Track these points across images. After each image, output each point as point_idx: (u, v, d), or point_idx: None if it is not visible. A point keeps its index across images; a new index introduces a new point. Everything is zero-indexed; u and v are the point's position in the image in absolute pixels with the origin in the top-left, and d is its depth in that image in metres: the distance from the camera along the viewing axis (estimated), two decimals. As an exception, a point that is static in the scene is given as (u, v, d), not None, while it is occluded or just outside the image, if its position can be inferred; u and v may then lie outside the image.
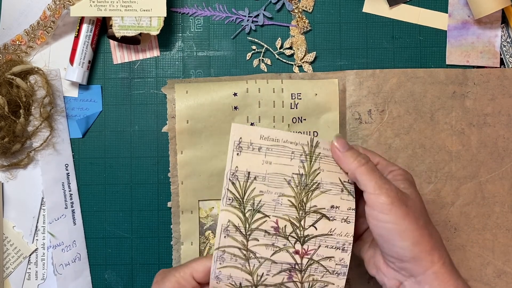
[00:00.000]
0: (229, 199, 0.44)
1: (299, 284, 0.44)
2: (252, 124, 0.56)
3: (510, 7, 0.57)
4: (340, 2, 0.58)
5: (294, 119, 0.56)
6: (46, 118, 0.56)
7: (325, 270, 0.44)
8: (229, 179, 0.44)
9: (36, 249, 0.58)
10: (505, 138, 0.57)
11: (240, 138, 0.44)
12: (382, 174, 0.43)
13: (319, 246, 0.44)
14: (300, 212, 0.44)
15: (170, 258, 0.57)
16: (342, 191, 0.44)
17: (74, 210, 0.58)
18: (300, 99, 0.56)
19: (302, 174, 0.44)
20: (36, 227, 0.58)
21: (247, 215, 0.44)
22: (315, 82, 0.56)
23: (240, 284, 0.45)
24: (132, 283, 0.58)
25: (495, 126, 0.57)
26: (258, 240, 0.44)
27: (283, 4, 0.58)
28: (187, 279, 0.45)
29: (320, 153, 0.45)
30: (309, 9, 0.58)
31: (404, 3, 0.58)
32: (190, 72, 0.58)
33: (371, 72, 0.57)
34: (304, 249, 0.44)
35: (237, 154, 0.44)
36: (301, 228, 0.44)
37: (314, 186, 0.44)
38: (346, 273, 0.44)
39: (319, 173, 0.44)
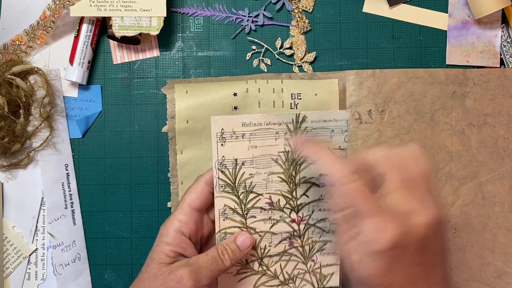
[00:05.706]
0: (221, 186, 0.45)
1: (300, 248, 0.47)
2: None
3: (510, 7, 0.57)
4: (340, 2, 0.58)
5: (294, 119, 0.56)
6: (46, 118, 0.56)
7: (321, 231, 0.47)
8: (218, 168, 0.45)
9: (36, 249, 0.58)
10: (505, 138, 0.57)
11: (222, 129, 0.44)
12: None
13: (313, 211, 0.47)
14: (291, 185, 0.46)
15: (170, 258, 0.57)
16: None
17: (74, 210, 0.58)
18: (300, 99, 0.56)
19: (288, 151, 0.45)
20: (36, 227, 0.58)
21: (241, 197, 0.46)
22: (315, 82, 0.56)
23: (246, 260, 0.47)
24: (132, 283, 0.58)
25: (495, 126, 0.57)
26: (255, 217, 0.46)
27: (283, 4, 0.58)
28: (187, 213, 0.44)
29: (307, 127, 0.45)
30: (309, 9, 0.58)
31: (404, 3, 0.58)
32: (190, 72, 0.58)
33: (371, 72, 0.57)
34: (299, 216, 0.47)
35: (222, 144, 0.44)
36: (294, 199, 0.46)
37: (301, 160, 0.46)
38: None
39: None
